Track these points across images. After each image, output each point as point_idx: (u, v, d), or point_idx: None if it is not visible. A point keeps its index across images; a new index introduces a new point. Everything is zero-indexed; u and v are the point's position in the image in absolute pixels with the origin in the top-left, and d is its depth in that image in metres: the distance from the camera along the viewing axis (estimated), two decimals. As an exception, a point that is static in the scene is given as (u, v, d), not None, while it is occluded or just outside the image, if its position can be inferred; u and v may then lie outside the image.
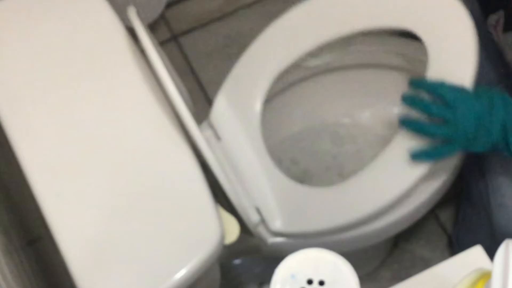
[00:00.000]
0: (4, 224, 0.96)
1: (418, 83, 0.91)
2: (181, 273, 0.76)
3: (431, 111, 0.87)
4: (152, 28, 1.55)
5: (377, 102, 1.16)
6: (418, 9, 1.00)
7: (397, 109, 1.15)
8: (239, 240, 0.86)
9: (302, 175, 1.15)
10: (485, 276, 0.57)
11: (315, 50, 1.04)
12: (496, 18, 0.96)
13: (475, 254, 0.73)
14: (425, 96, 0.90)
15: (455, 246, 1.29)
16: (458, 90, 0.87)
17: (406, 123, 0.92)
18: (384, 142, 1.15)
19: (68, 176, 0.82)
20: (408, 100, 0.91)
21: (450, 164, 1.00)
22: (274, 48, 1.04)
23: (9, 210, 1.03)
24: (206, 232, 0.79)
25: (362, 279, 0.56)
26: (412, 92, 0.91)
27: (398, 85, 1.11)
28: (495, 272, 0.52)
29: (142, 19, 0.86)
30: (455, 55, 0.95)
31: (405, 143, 0.95)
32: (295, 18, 1.04)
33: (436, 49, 0.96)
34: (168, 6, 1.57)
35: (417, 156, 0.91)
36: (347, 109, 1.17)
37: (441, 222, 1.35)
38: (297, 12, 1.04)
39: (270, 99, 1.07)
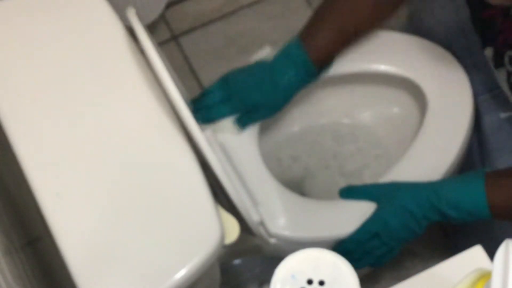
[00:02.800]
0: (4, 224, 0.96)
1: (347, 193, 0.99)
2: (181, 273, 0.76)
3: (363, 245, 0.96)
4: (152, 28, 1.55)
5: (377, 102, 1.16)
6: (420, 62, 1.06)
7: (397, 109, 1.15)
8: (239, 240, 0.86)
9: (303, 173, 1.15)
10: (485, 276, 0.57)
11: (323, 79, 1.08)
12: (490, 52, 0.98)
13: (475, 254, 0.73)
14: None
15: (455, 246, 1.29)
16: (374, 221, 0.95)
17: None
18: (385, 142, 1.15)
19: (68, 176, 0.82)
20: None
21: (449, 163, 1.00)
22: None
23: (9, 210, 1.03)
24: (206, 232, 0.79)
25: (362, 279, 0.56)
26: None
27: (397, 85, 1.11)
28: (495, 272, 0.52)
29: (141, 19, 0.86)
30: (452, 107, 1.03)
31: (405, 168, 0.99)
32: None
33: (435, 102, 1.03)
34: (168, 6, 1.57)
35: (373, 266, 1.00)
36: (348, 109, 1.17)
37: (441, 222, 1.35)
38: None
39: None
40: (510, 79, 0.95)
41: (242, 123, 1.02)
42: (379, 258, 0.97)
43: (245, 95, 1.00)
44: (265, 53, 1.04)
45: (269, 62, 1.01)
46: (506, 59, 0.95)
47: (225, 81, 1.03)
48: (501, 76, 0.98)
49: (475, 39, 1.04)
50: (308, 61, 0.99)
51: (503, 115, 1.05)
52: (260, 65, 1.02)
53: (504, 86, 0.98)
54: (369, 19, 1.02)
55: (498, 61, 0.97)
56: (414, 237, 0.95)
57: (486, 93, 1.05)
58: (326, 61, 1.04)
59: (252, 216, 0.92)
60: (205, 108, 1.02)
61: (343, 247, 0.96)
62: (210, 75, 1.52)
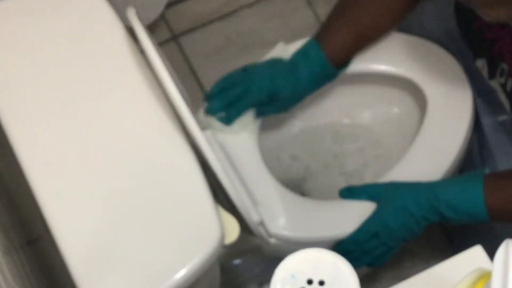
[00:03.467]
0: (4, 224, 0.96)
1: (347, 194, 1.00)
2: (181, 273, 0.76)
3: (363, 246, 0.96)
4: (152, 28, 1.55)
5: (377, 102, 1.16)
6: (420, 62, 1.06)
7: (397, 109, 1.15)
8: (239, 240, 0.86)
9: (303, 173, 1.15)
10: (485, 276, 0.57)
11: None
12: (482, 63, 0.98)
13: (475, 254, 0.73)
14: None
15: (455, 246, 1.29)
16: (373, 221, 0.95)
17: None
18: (385, 142, 1.15)
19: (68, 176, 0.82)
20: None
21: (449, 163, 1.00)
22: None
23: (9, 210, 1.03)
24: (206, 232, 0.79)
25: (362, 279, 0.56)
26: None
27: (397, 85, 1.11)
28: (495, 272, 0.52)
29: (141, 19, 0.86)
30: (452, 107, 1.03)
31: (405, 168, 0.99)
32: None
33: (435, 102, 1.03)
34: (168, 6, 1.57)
35: (372, 266, 1.00)
36: (348, 109, 1.17)
37: (441, 222, 1.35)
38: None
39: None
40: (506, 87, 0.95)
41: (260, 113, 1.02)
42: (378, 258, 0.97)
43: (265, 83, 0.99)
44: (279, 50, 1.04)
45: (288, 60, 1.01)
46: (498, 72, 0.95)
47: (243, 73, 1.02)
48: (496, 86, 0.98)
49: (465, 48, 1.04)
50: (326, 62, 0.99)
51: (499, 118, 1.05)
52: (280, 61, 1.02)
53: (501, 94, 0.98)
54: (386, 21, 1.01)
55: (492, 72, 0.97)
56: (413, 237, 0.95)
57: (480, 97, 1.06)
58: (343, 62, 1.03)
59: (252, 216, 0.92)
60: (228, 106, 1.00)
61: (342, 247, 0.96)
62: (210, 75, 1.53)
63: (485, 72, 0.98)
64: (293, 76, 1.00)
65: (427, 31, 1.11)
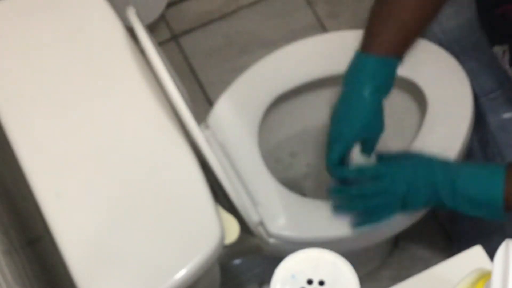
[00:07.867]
0: (4, 224, 0.96)
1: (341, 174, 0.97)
2: (181, 273, 0.76)
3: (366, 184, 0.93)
4: (152, 28, 1.55)
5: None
6: (420, 62, 1.05)
7: (397, 109, 1.15)
8: (239, 240, 0.86)
9: (304, 171, 1.15)
10: (485, 276, 0.57)
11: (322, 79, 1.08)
12: (502, 50, 0.97)
13: (475, 254, 0.73)
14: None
15: (455, 246, 1.29)
16: (383, 164, 0.93)
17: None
18: (385, 142, 1.15)
19: (68, 176, 0.82)
20: (335, 192, 0.97)
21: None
22: (285, 67, 1.07)
23: (9, 210, 1.03)
24: (206, 232, 0.79)
25: (362, 279, 0.56)
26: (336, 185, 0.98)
27: (397, 85, 1.11)
28: (495, 272, 0.52)
29: (142, 19, 0.86)
30: (452, 107, 1.03)
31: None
32: (314, 44, 1.09)
33: (435, 102, 1.03)
34: (168, 6, 1.58)
35: (359, 224, 0.95)
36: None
37: (441, 222, 1.35)
38: (317, 39, 1.10)
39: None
40: None
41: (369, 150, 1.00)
42: (372, 209, 0.94)
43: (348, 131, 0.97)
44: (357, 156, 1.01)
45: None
46: None
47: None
48: None
49: (481, 38, 1.03)
50: (379, 58, 0.95)
51: (506, 115, 1.05)
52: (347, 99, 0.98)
53: None
54: (427, 11, 0.96)
55: None
56: (413, 204, 0.91)
57: (488, 94, 1.05)
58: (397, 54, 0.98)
59: (252, 216, 0.92)
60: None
61: (343, 173, 0.96)
62: (210, 75, 1.53)
63: (506, 59, 0.97)
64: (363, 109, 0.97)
65: (438, 22, 1.10)
